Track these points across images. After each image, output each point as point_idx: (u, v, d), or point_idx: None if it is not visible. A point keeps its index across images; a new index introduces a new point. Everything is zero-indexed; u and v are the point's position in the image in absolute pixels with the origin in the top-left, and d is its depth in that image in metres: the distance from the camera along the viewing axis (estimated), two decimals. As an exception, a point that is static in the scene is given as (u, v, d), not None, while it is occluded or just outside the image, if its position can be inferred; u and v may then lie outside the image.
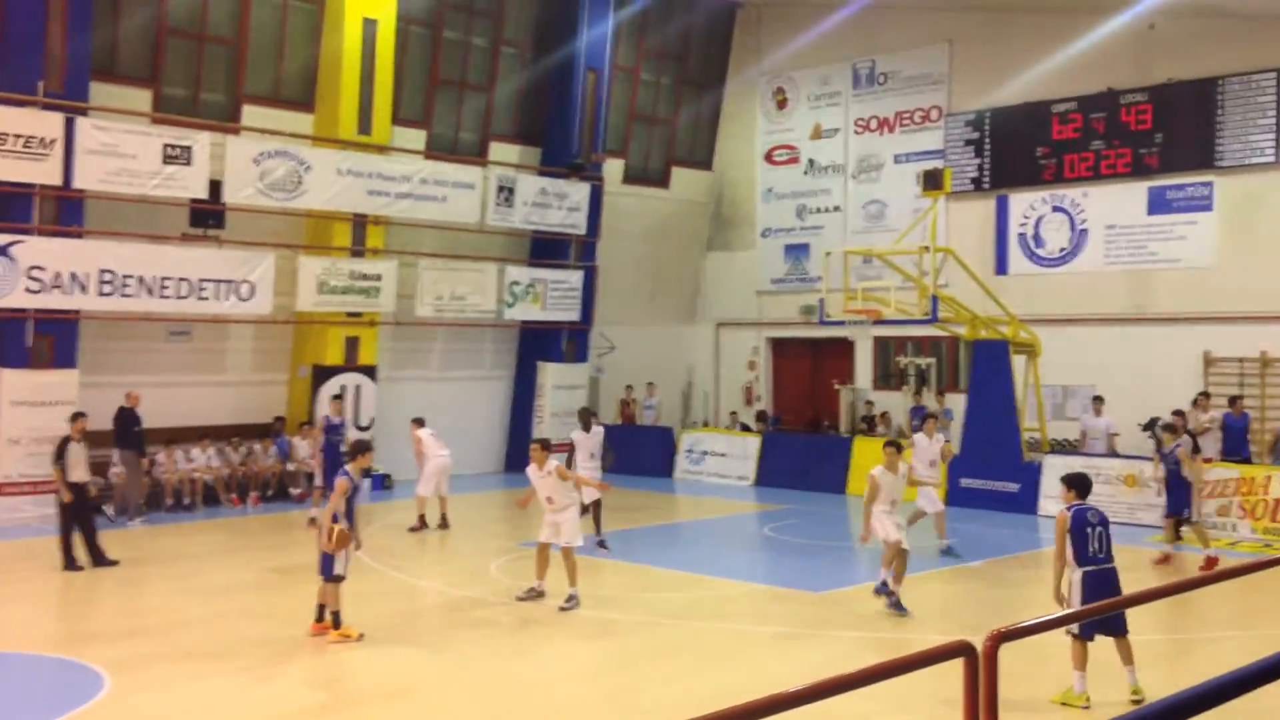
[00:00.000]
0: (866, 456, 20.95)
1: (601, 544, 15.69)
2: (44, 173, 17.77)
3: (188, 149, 19.03)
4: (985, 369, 20.50)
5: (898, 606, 11.97)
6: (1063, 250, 23.27)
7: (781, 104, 27.89)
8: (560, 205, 24.77)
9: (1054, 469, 18.81)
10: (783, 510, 20.17)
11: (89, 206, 18.79)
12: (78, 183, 18.16)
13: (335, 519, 10.96)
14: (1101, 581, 8.90)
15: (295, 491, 20.42)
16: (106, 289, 18.43)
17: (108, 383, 18.60)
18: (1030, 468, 19.75)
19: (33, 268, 17.68)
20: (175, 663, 10.20)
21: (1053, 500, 18.00)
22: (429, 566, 15.62)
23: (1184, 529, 15.86)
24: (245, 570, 14.63)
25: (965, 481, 19.87)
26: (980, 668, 3.62)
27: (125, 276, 18.59)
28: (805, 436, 25.43)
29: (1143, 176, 22.21)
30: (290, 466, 20.73)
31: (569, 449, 16.79)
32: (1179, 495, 15.24)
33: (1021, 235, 23.86)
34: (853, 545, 15.78)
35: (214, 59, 20.78)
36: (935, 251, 20.01)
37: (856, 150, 26.55)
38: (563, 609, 12.20)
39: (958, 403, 22.25)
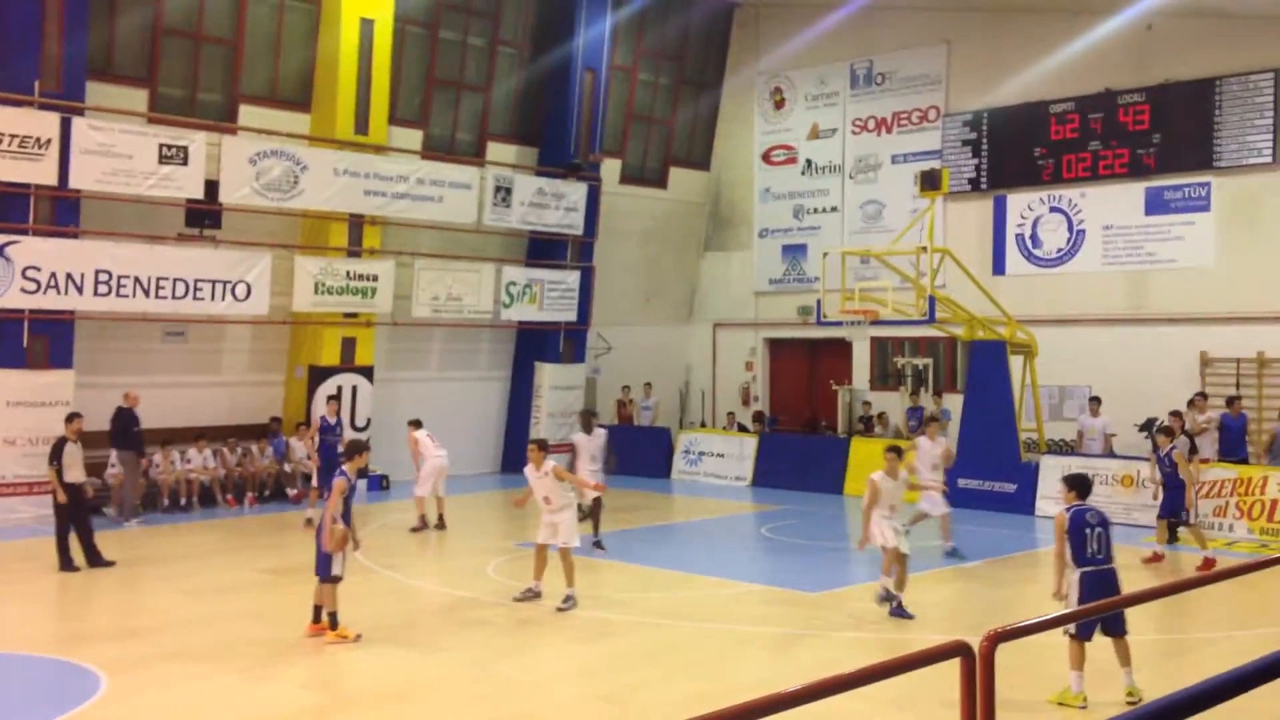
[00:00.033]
0: (864, 457, 21.01)
1: (598, 544, 15.70)
2: (40, 172, 17.76)
3: (184, 149, 19.02)
4: (982, 369, 20.50)
5: (902, 612, 11.95)
6: (1060, 251, 23.28)
7: (779, 104, 27.88)
8: (557, 205, 24.75)
9: (1051, 469, 18.84)
10: (780, 511, 20.17)
11: (85, 206, 18.77)
12: (74, 183, 18.16)
13: (334, 519, 10.95)
14: (1099, 582, 8.89)
15: (292, 492, 20.41)
16: (102, 289, 18.41)
17: (104, 383, 18.61)
18: (1027, 468, 19.76)
19: (28, 268, 17.67)
20: (172, 663, 10.19)
21: (1050, 500, 18.02)
22: (426, 567, 15.61)
23: (1180, 530, 15.88)
24: (242, 571, 14.60)
25: (962, 482, 19.82)
26: (978, 668, 3.62)
27: (121, 277, 18.59)
28: (802, 437, 25.41)
29: (1140, 177, 22.22)
30: (287, 467, 20.73)
31: (569, 451, 16.76)
32: (1174, 498, 15.25)
33: (1019, 235, 23.86)
34: (850, 546, 15.77)
35: (210, 59, 20.76)
36: (933, 252, 20.00)
37: (854, 150, 26.55)
38: (560, 609, 12.20)
39: (955, 403, 22.26)
